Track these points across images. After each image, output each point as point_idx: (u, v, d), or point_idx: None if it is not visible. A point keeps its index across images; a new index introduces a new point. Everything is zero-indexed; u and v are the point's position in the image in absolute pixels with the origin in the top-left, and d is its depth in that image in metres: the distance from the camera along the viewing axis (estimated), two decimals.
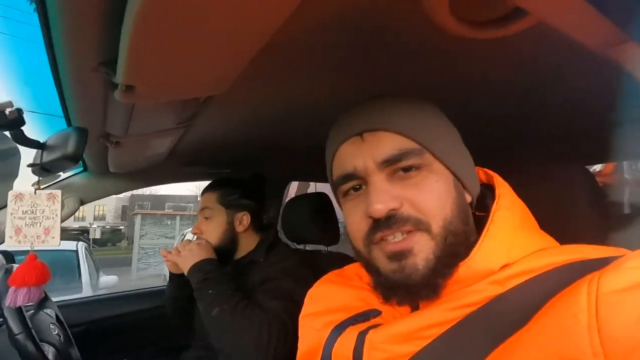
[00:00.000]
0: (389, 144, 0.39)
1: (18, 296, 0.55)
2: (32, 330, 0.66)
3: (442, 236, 0.38)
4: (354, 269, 0.52)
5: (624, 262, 0.31)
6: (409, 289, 0.38)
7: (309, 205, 1.19)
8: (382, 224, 0.38)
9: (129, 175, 1.08)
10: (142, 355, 1.13)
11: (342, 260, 1.18)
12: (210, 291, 0.82)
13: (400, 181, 0.39)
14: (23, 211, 0.56)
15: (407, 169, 0.39)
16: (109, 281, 3.36)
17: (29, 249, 0.56)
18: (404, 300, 0.40)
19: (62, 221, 0.96)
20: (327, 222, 1.17)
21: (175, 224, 9.99)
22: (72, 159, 0.54)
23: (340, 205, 0.46)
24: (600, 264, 0.32)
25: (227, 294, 0.82)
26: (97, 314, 1.16)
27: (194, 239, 1.01)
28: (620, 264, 0.31)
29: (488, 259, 0.38)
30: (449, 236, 0.38)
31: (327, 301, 0.50)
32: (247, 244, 1.00)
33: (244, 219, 0.99)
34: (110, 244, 20.54)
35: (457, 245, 0.38)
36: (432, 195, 0.39)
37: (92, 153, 0.85)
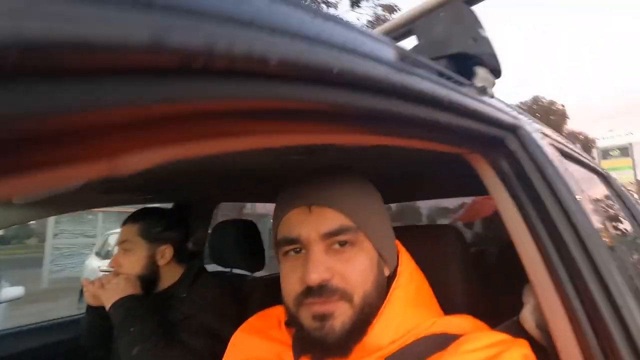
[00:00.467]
0: (332, 219, 0.46)
1: None
2: None
3: (360, 306, 0.44)
4: (277, 312, 0.58)
5: (461, 345, 0.41)
6: (324, 347, 0.44)
7: (236, 231, 1.22)
8: (314, 291, 0.43)
9: (38, 204, 1.01)
10: None
11: (266, 286, 1.23)
12: (132, 329, 0.82)
13: (335, 255, 0.46)
14: None
15: (342, 243, 0.46)
16: (13, 293, 2.99)
17: None
18: (317, 356, 0.45)
19: None
20: (253, 249, 1.21)
21: (97, 221, 9.15)
22: None
23: (278, 261, 0.51)
24: (453, 339, 0.42)
25: (149, 333, 0.82)
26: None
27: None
28: (458, 348, 0.40)
29: (381, 335, 0.45)
30: (366, 307, 0.45)
31: (245, 352, 0.55)
32: (169, 277, 0.99)
33: (166, 253, 0.98)
34: (16, 241, 18.13)
35: (370, 315, 0.45)
36: (358, 271, 0.46)
37: None
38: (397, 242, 0.54)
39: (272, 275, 1.78)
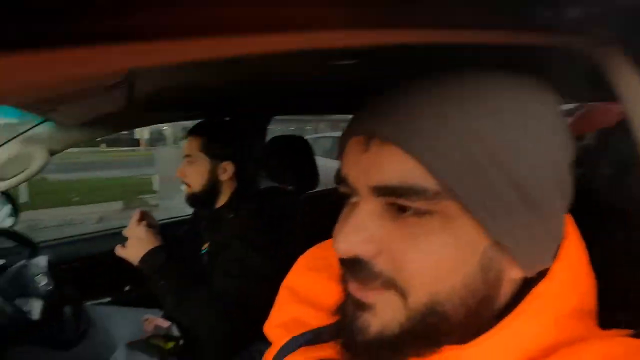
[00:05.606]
0: (392, 168, 0.26)
1: None
2: (8, 292, 0.73)
3: (420, 313, 0.27)
4: None
5: None
6: (352, 345, 0.30)
7: (288, 146, 1.15)
8: (347, 266, 0.29)
9: (96, 124, 1.03)
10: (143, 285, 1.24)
11: (321, 204, 1.18)
12: (161, 282, 0.85)
13: (394, 221, 0.28)
14: None
15: (404, 209, 0.27)
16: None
17: None
18: (346, 351, 0.31)
19: (30, 177, 0.97)
20: (305, 167, 1.13)
21: None
22: None
23: None
24: None
25: (174, 285, 0.84)
26: (96, 249, 1.25)
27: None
28: None
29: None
30: (431, 317, 0.27)
31: (307, 296, 0.42)
32: (227, 194, 0.98)
33: (227, 168, 0.96)
34: None
35: (442, 329, 0.28)
36: (426, 261, 0.27)
37: (40, 114, 0.79)
38: (569, 219, 0.30)
39: (327, 191, 1.73)
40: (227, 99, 1.10)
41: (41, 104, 0.61)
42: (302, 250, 0.49)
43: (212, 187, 0.96)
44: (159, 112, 1.10)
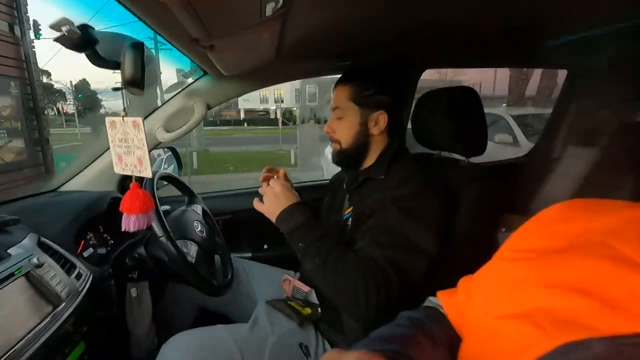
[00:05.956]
0: None
1: (130, 222, 0.60)
2: (171, 233, 0.76)
3: None
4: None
5: None
6: None
7: (448, 102, 0.93)
8: None
9: (246, 77, 1.03)
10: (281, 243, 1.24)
11: (487, 176, 0.94)
12: (300, 244, 0.74)
13: None
14: (119, 139, 0.55)
15: None
16: None
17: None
18: None
19: (191, 129, 1.02)
20: (470, 127, 0.90)
21: None
22: (133, 85, 0.46)
23: None
24: None
25: (316, 247, 0.72)
26: (242, 205, 1.30)
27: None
28: None
29: None
30: None
31: (562, 276, 0.29)
32: (378, 152, 0.85)
33: (380, 119, 0.82)
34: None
35: None
36: None
37: (196, 58, 0.79)
38: None
39: (495, 163, 1.44)
40: (377, 46, 0.95)
41: (203, 36, 0.57)
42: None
43: (363, 143, 0.84)
44: (305, 63, 1.03)
